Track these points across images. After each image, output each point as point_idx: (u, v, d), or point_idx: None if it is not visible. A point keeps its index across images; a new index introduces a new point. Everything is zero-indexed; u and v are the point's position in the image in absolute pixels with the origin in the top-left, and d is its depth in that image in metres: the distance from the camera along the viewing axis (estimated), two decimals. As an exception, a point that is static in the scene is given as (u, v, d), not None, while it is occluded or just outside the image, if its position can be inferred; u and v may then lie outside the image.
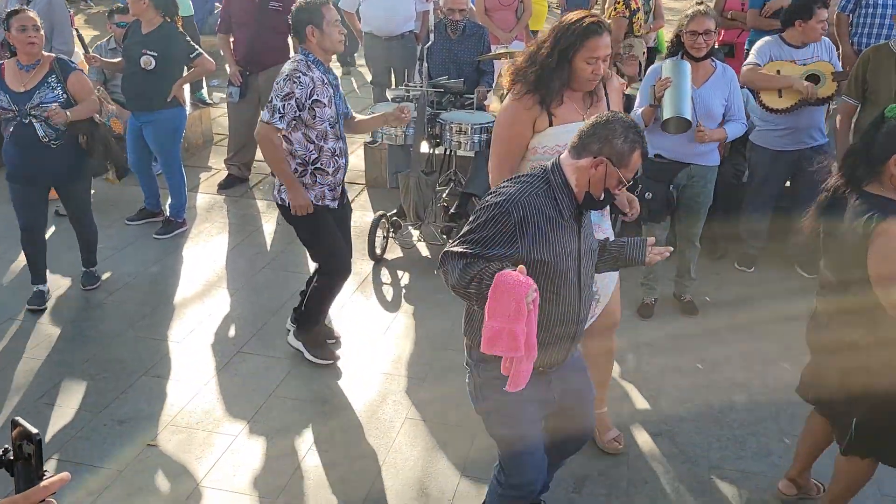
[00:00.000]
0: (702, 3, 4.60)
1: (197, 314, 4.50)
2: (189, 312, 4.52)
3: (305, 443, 3.46)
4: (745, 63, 4.78)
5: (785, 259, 5.16)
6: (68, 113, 4.17)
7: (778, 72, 4.61)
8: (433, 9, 5.61)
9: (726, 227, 5.21)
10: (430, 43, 5.26)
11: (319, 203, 3.74)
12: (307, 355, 4.00)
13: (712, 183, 4.33)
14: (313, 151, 3.64)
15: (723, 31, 6.44)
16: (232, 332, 4.33)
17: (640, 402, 3.77)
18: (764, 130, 4.83)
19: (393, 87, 6.49)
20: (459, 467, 3.31)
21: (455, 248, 2.30)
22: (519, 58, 3.03)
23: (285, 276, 4.93)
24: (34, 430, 1.20)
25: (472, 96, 5.29)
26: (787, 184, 5.07)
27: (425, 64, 5.01)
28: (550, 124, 2.90)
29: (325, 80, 3.59)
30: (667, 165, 4.23)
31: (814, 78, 4.55)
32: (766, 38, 4.80)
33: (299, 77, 3.50)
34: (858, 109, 4.34)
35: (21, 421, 1.22)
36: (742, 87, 4.61)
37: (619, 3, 6.35)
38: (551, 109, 2.89)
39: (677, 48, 4.21)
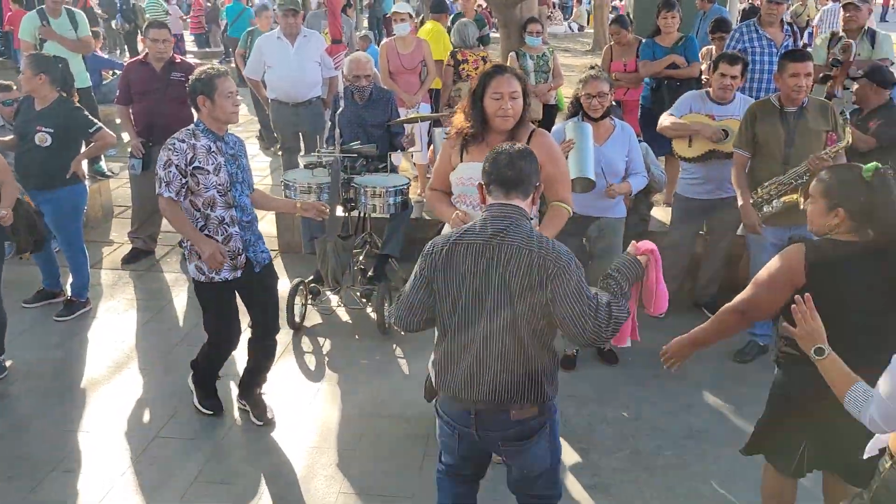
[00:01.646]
0: (594, 67, 4.84)
1: (108, 399, 4.26)
2: (99, 398, 4.28)
3: (235, 528, 3.30)
4: (665, 113, 5.06)
5: (693, 302, 5.38)
6: (2, 211, 4.21)
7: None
8: (341, 75, 5.66)
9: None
10: (340, 109, 5.29)
11: (213, 275, 3.73)
12: (194, 401, 4.12)
13: (621, 233, 4.51)
14: (199, 219, 3.67)
15: (611, 91, 6.79)
16: (147, 416, 4.12)
17: (572, 456, 3.81)
18: (683, 179, 5.11)
19: (302, 152, 6.48)
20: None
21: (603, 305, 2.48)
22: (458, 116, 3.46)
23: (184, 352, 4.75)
24: None
25: (382, 160, 5.34)
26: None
27: (337, 129, 5.03)
28: (461, 160, 3.37)
29: (214, 149, 3.64)
30: (578, 220, 4.37)
31: (723, 133, 4.84)
32: (693, 91, 5.15)
33: (174, 144, 3.59)
34: (750, 160, 4.61)
35: None
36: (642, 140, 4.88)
37: (454, 54, 6.70)
38: (468, 148, 3.34)
39: (577, 109, 4.41)
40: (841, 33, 5.90)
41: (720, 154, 4.82)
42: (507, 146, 2.58)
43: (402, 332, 2.59)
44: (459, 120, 3.40)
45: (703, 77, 6.58)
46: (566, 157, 4.17)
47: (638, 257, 2.71)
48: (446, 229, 3.54)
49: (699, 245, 5.31)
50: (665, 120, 4.96)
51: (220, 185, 3.65)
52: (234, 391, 4.20)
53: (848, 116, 4.52)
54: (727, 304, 2.73)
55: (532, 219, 2.63)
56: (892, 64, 5.49)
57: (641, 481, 3.61)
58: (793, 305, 2.38)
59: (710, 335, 2.81)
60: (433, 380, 2.62)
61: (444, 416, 2.66)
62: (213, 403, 4.11)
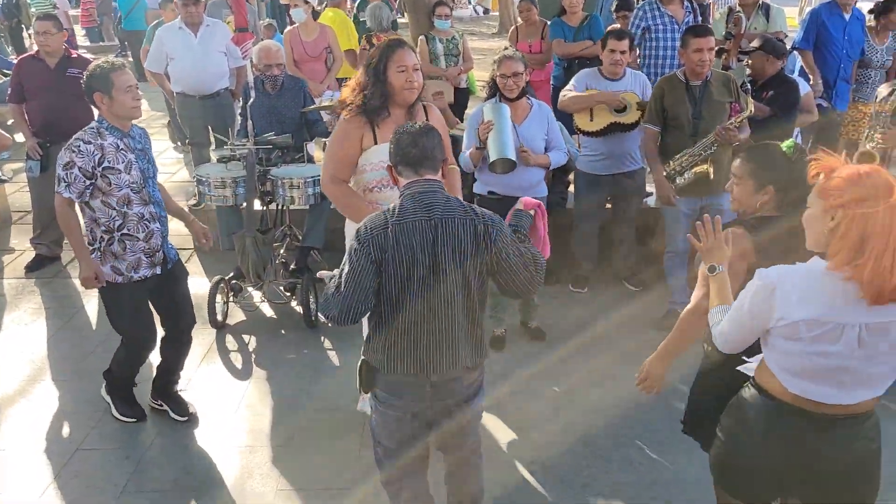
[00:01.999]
0: (507, 48, 4.87)
1: (22, 415, 4.04)
2: (13, 415, 4.05)
3: (171, 537, 3.19)
4: (564, 90, 5.14)
5: (613, 276, 5.53)
6: None
7: None
8: (249, 65, 5.50)
9: (557, 251, 5.49)
10: (251, 100, 5.14)
11: (133, 274, 3.61)
12: (113, 412, 3.96)
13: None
14: (117, 218, 3.54)
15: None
16: (66, 429, 3.93)
17: (507, 433, 3.85)
18: (584, 156, 5.20)
19: (213, 146, 6.27)
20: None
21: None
22: (346, 90, 3.43)
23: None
24: None
25: (299, 151, 5.23)
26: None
27: (249, 121, 4.89)
28: (375, 142, 3.32)
29: (122, 146, 3.50)
30: (501, 201, 4.40)
31: (624, 101, 4.96)
32: (586, 69, 5.23)
33: (79, 146, 3.43)
34: (661, 134, 4.74)
35: None
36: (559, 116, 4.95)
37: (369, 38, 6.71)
38: (376, 127, 3.31)
39: (493, 91, 4.44)
40: (737, 8, 6.13)
41: (621, 127, 4.95)
42: (408, 126, 2.65)
43: (340, 326, 2.54)
44: (347, 94, 3.39)
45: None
46: (486, 140, 4.20)
47: (529, 211, 2.89)
48: (350, 227, 3.49)
49: (607, 220, 5.44)
50: (566, 96, 5.05)
51: (133, 182, 3.52)
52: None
53: (748, 86, 4.71)
54: (687, 307, 2.68)
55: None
56: (786, 36, 5.74)
57: (577, 452, 3.69)
58: (698, 222, 2.54)
59: (677, 344, 2.72)
60: (382, 365, 2.59)
61: (390, 400, 2.63)
62: (134, 411, 3.96)
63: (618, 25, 7.23)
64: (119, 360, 3.89)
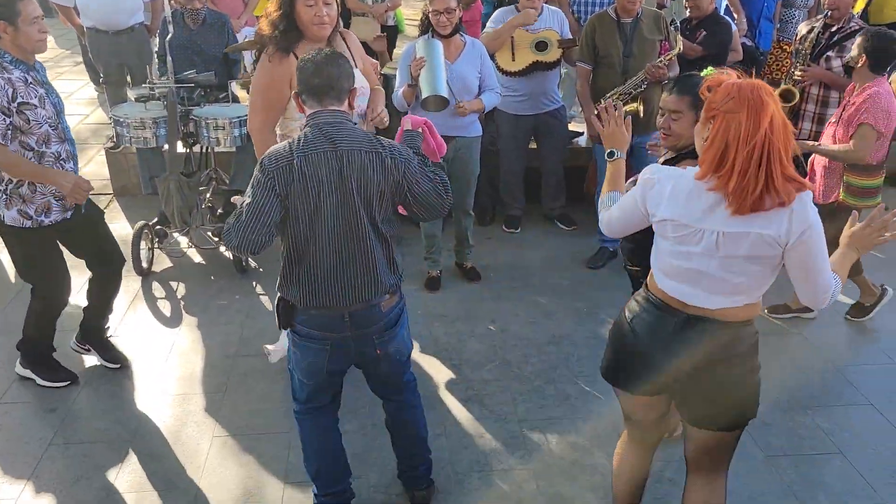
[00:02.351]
0: None
1: (-65, 370, 3.84)
2: (-76, 370, 3.85)
3: (104, 488, 3.11)
4: (483, 30, 5.06)
5: (544, 216, 5.57)
6: None
7: (511, 38, 4.91)
8: (167, -2, 5.20)
9: (490, 192, 5.50)
10: (170, 35, 4.88)
11: (43, 218, 3.39)
12: (39, 382, 3.72)
13: (477, 152, 4.53)
14: (33, 159, 3.30)
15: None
16: (-15, 382, 3.76)
17: (445, 373, 3.88)
18: (506, 97, 5.14)
19: (130, 85, 5.97)
20: (281, 476, 3.18)
21: None
22: (263, 23, 3.29)
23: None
24: None
25: (223, 90, 5.01)
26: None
27: (169, 58, 4.65)
28: None
29: (31, 80, 3.28)
30: (434, 140, 4.34)
31: (542, 45, 4.92)
32: (504, 7, 5.12)
33: None
34: (593, 72, 4.74)
35: None
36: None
37: None
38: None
39: (426, 27, 4.32)
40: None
41: (542, 65, 4.93)
42: (313, 54, 2.55)
43: (242, 255, 2.54)
44: (265, 27, 3.26)
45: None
46: (418, 77, 4.11)
47: (417, 130, 2.88)
48: None
49: (534, 160, 5.44)
50: (484, 36, 4.96)
51: (49, 118, 3.29)
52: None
53: (678, 24, 4.73)
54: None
55: (355, 123, 2.61)
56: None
57: (513, 388, 3.75)
58: (601, 105, 2.69)
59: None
60: (298, 300, 2.56)
61: (311, 333, 2.62)
62: (62, 374, 3.73)
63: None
64: (31, 319, 3.66)
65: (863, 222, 2.29)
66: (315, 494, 2.89)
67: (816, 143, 4.10)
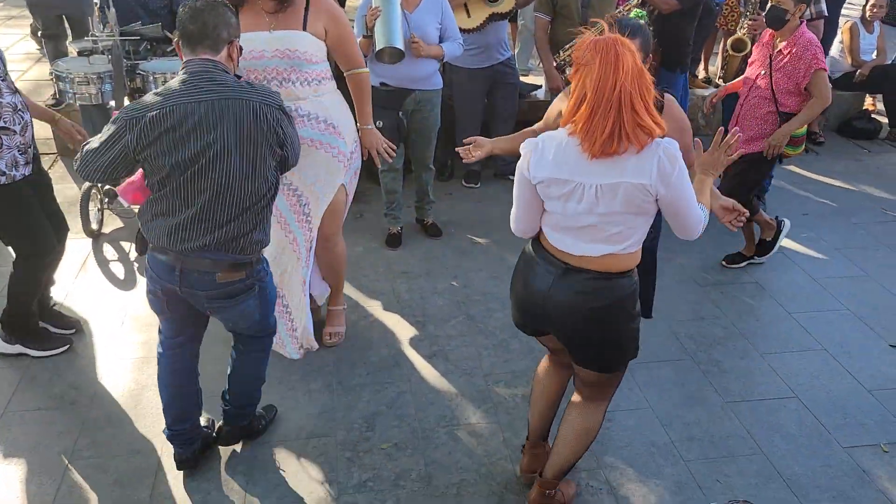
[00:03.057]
0: None
1: None
2: None
3: (65, 452, 3.04)
4: None
5: (495, 173, 5.55)
6: None
7: None
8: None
9: (448, 148, 5.44)
10: (112, -15, 4.64)
11: (15, 172, 3.22)
12: (34, 354, 3.56)
13: (438, 106, 4.45)
14: None
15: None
16: (-69, 351, 3.62)
17: (409, 330, 3.87)
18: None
19: (70, 38, 5.70)
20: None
21: None
22: None
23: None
24: None
25: (170, 43, 4.82)
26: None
27: (112, 9, 4.43)
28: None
29: None
30: (393, 92, 4.26)
31: None
32: None
33: None
34: (551, 23, 4.68)
35: None
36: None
37: None
38: (239, 18, 2.87)
39: None
40: None
41: (498, 16, 4.86)
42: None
43: (88, 181, 2.71)
44: None
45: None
46: (373, 27, 4.00)
47: None
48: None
49: (488, 114, 5.39)
50: None
51: None
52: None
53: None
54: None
55: (238, 77, 2.52)
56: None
57: (478, 343, 3.76)
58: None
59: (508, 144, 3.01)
60: (146, 235, 2.56)
61: (151, 274, 2.63)
62: (55, 341, 3.60)
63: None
64: (18, 287, 3.44)
65: (710, 148, 2.49)
66: (165, 427, 2.92)
67: (790, 124, 4.14)
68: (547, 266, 2.42)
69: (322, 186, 3.34)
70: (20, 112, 3.21)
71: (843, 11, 7.15)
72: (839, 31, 6.78)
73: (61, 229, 3.57)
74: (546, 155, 2.28)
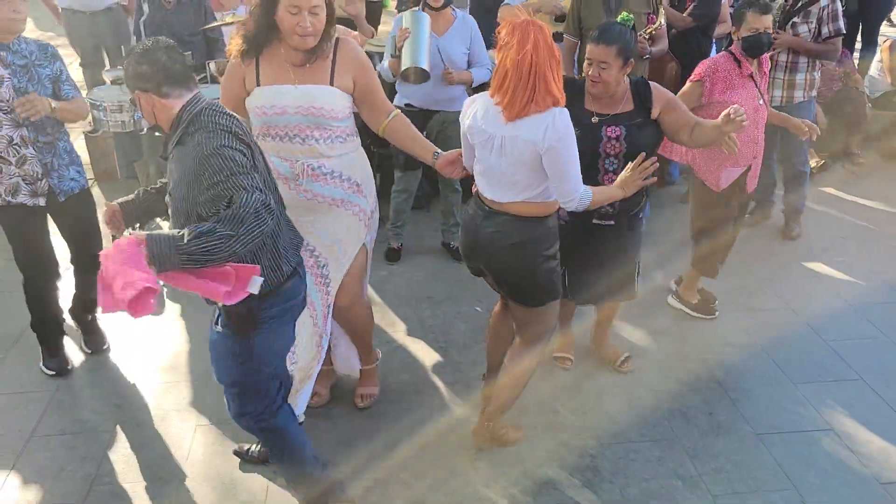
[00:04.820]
0: None
1: (-88, 363, 3.78)
2: None
3: (87, 477, 3.06)
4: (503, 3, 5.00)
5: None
6: None
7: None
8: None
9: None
10: (144, 16, 4.76)
11: (12, 199, 3.34)
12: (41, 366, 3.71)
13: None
14: None
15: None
16: (-36, 374, 3.70)
17: (431, 356, 3.83)
18: None
19: (107, 66, 5.85)
20: (267, 464, 3.13)
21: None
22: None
23: (14, 298, 4.27)
24: None
25: (203, 71, 4.91)
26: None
27: (144, 39, 4.52)
28: (257, 83, 2.88)
29: None
30: (417, 113, 4.28)
31: (562, 16, 4.83)
32: None
33: None
34: (579, 45, 4.65)
35: None
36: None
37: None
38: (261, 68, 2.86)
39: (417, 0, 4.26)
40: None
41: (561, 37, 4.82)
42: (149, 43, 2.35)
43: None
44: (250, 35, 2.84)
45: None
46: (402, 47, 4.03)
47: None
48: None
49: None
50: (503, 9, 4.87)
51: (1, 101, 3.21)
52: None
53: (664, -5, 4.65)
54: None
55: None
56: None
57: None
58: None
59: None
60: None
61: None
62: (55, 363, 3.69)
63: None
64: (27, 296, 3.63)
65: (626, 169, 2.88)
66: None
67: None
68: (476, 209, 2.89)
69: (342, 247, 3.10)
70: (15, 146, 3.29)
71: (883, 29, 7.00)
72: (878, 50, 6.63)
73: (88, 249, 3.63)
74: (476, 110, 2.76)
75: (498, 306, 3.27)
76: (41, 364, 3.71)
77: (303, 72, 2.86)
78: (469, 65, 4.32)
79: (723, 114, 2.92)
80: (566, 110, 2.64)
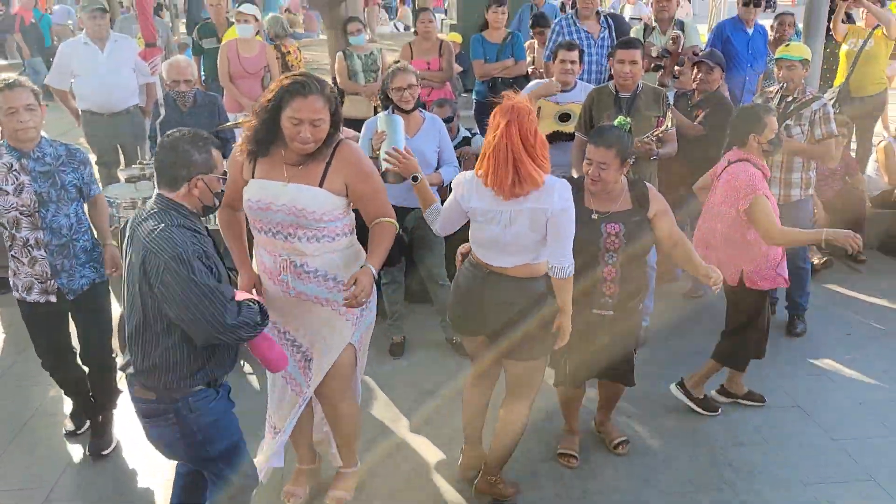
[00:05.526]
0: (397, 61, 4.84)
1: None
2: None
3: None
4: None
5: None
6: None
7: (539, 108, 4.98)
8: (159, 81, 5.29)
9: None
10: (161, 118, 4.95)
11: (27, 296, 3.49)
12: None
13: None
14: (7, 239, 3.44)
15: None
16: (-38, 469, 3.66)
17: (435, 453, 3.78)
18: None
19: (122, 166, 6.03)
20: None
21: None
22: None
23: (24, 389, 4.28)
24: None
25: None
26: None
27: (160, 139, 4.69)
28: (252, 176, 2.95)
29: (17, 167, 3.32)
30: (395, 210, 4.33)
31: (565, 116, 4.99)
32: (538, 80, 5.33)
33: None
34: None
35: None
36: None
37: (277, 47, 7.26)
38: (257, 161, 2.93)
39: (387, 102, 4.42)
40: (653, 24, 6.26)
41: (564, 136, 4.95)
42: (172, 132, 2.58)
43: None
44: (252, 129, 2.91)
45: (528, 70, 6.78)
46: (379, 150, 4.13)
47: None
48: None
49: None
50: None
51: (22, 206, 3.36)
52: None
53: (671, 102, 4.80)
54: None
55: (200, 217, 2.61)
56: (702, 51, 5.87)
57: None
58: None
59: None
60: None
61: None
62: (73, 421, 3.92)
63: (535, 41, 7.35)
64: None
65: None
66: None
67: None
68: (475, 272, 3.10)
69: (325, 344, 3.07)
70: (29, 247, 3.42)
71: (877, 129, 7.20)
72: (874, 150, 6.79)
73: (91, 352, 3.71)
74: (471, 191, 2.99)
75: (469, 379, 3.45)
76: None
77: (296, 171, 2.90)
78: (439, 164, 4.47)
79: (711, 277, 3.35)
80: (566, 182, 2.93)
